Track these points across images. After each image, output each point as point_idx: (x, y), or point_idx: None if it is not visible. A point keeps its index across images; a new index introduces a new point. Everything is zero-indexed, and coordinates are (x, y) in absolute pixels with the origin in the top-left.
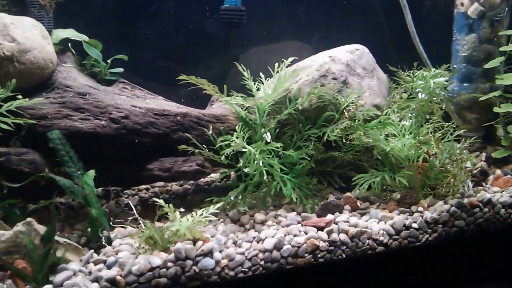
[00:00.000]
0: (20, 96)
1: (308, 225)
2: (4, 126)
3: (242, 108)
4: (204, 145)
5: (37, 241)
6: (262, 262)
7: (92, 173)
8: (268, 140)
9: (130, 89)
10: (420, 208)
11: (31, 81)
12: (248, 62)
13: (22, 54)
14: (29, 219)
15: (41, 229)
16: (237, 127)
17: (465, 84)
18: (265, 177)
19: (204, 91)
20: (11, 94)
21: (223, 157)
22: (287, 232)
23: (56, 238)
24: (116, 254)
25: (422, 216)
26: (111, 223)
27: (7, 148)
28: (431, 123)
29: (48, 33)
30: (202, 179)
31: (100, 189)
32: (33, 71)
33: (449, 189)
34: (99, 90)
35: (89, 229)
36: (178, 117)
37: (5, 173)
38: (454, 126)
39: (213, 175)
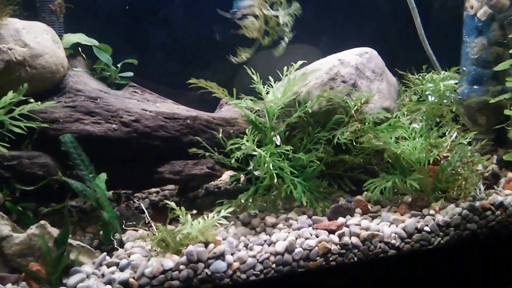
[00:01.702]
0: (32, 100)
1: (319, 228)
2: (17, 130)
3: (251, 112)
4: (214, 148)
5: (51, 244)
6: (274, 265)
7: (103, 176)
8: (278, 143)
9: (140, 93)
10: (432, 211)
11: (43, 85)
12: (257, 66)
13: (33, 59)
14: (42, 222)
15: (54, 231)
16: (247, 130)
17: (475, 87)
18: (275, 180)
19: (214, 95)
20: (23, 98)
21: (233, 160)
22: (298, 235)
23: (69, 240)
24: (129, 256)
25: (434, 219)
26: (123, 226)
27: (19, 151)
28: (440, 126)
29: (59, 37)
30: (212, 182)
31: (110, 192)
32: (45, 75)
33: (460, 192)
34: (109, 94)
35: (101, 232)
36: (188, 121)
37: (17, 176)
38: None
39: (222, 178)
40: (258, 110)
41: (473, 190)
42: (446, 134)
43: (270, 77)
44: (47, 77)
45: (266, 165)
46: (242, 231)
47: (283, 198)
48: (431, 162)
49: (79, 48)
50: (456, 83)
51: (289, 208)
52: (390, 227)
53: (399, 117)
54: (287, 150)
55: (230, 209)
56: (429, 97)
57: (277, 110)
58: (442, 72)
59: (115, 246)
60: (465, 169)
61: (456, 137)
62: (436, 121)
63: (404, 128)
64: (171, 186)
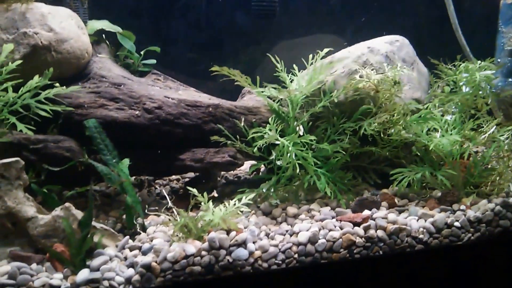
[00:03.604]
0: (57, 84)
1: (343, 220)
2: (43, 113)
3: (273, 101)
4: (236, 137)
5: (75, 226)
6: (296, 255)
7: (127, 161)
8: (301, 133)
9: (163, 80)
10: (463, 207)
11: (68, 70)
12: (280, 55)
13: (59, 44)
14: (67, 204)
15: (79, 214)
16: (270, 119)
17: (510, 80)
18: (298, 170)
19: (236, 83)
20: (49, 82)
21: (255, 149)
22: (322, 226)
23: (93, 223)
24: (151, 241)
25: (464, 215)
26: (145, 211)
27: (45, 135)
28: (476, 119)
29: (83, 24)
30: (232, 171)
31: (133, 178)
32: (70, 60)
33: (493, 187)
34: (133, 81)
35: (124, 216)
36: (210, 109)
37: (43, 160)
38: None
39: (242, 167)
40: (281, 99)
41: (507, 186)
42: (484, 127)
43: (294, 66)
44: (72, 62)
45: (289, 154)
46: (263, 220)
47: (305, 189)
48: (464, 156)
49: (103, 35)
50: (492, 73)
51: (311, 199)
52: (418, 221)
53: (430, 109)
54: (311, 140)
55: (251, 195)
56: (463, 87)
57: (300, 100)
58: (478, 62)
59: (138, 230)
60: (499, 164)
61: (492, 131)
62: (470, 113)
63: (436, 120)
64: (192, 174)
